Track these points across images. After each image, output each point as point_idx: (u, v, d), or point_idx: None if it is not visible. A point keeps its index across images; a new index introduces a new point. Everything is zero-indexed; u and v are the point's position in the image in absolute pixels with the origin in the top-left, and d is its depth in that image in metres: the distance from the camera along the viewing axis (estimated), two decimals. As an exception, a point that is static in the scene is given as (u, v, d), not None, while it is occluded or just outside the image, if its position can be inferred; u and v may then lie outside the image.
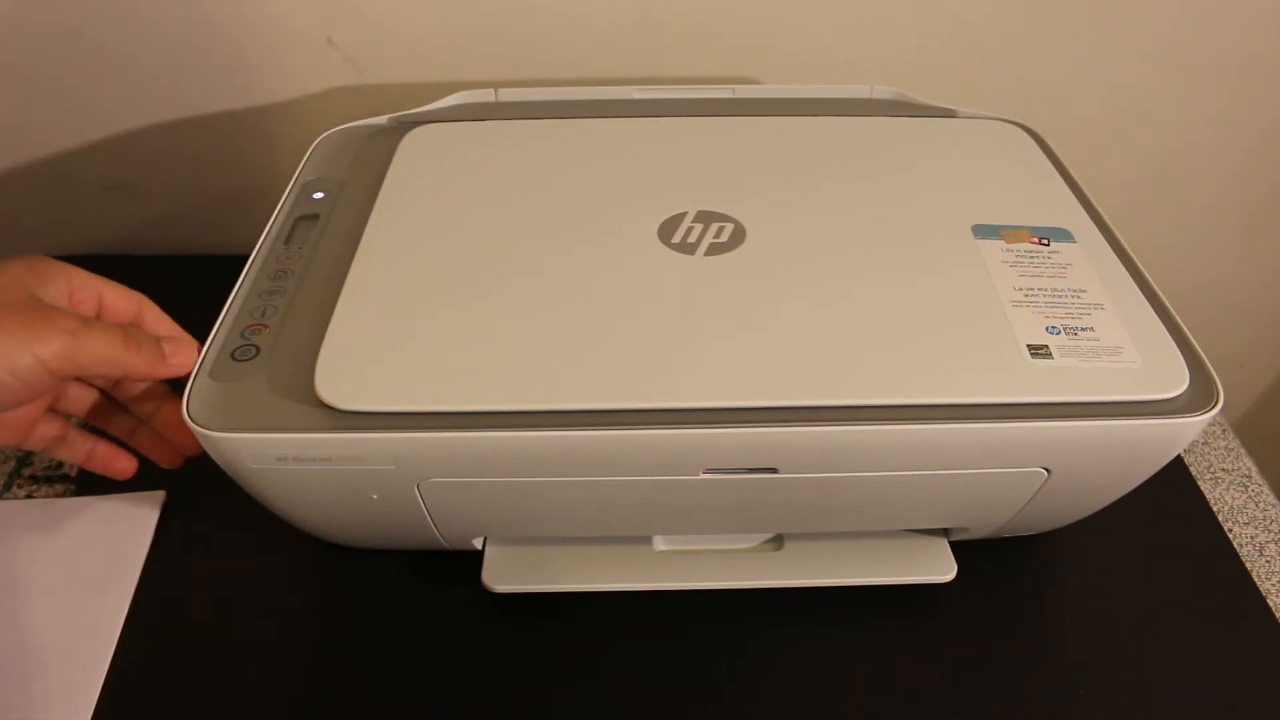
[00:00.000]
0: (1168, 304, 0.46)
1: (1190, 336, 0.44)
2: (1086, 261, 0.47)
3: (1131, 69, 0.73)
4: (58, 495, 0.57)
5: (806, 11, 0.68)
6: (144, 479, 0.57)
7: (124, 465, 0.47)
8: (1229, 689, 0.48)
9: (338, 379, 0.41)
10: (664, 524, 0.50)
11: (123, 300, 0.43)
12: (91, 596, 0.51)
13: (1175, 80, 0.73)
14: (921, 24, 0.70)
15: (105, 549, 0.53)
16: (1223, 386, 0.42)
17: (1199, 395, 0.42)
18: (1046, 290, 0.45)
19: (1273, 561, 0.56)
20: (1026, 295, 0.45)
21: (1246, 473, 0.62)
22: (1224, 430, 0.65)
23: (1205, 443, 0.64)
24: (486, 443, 0.40)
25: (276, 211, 0.53)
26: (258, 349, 0.44)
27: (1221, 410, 0.41)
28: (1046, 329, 0.43)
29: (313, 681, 0.48)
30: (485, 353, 0.42)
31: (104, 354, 0.39)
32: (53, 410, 0.45)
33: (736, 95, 0.62)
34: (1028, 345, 0.42)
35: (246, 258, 0.49)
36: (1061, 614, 0.51)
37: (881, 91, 0.62)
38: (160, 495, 0.56)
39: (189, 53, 0.70)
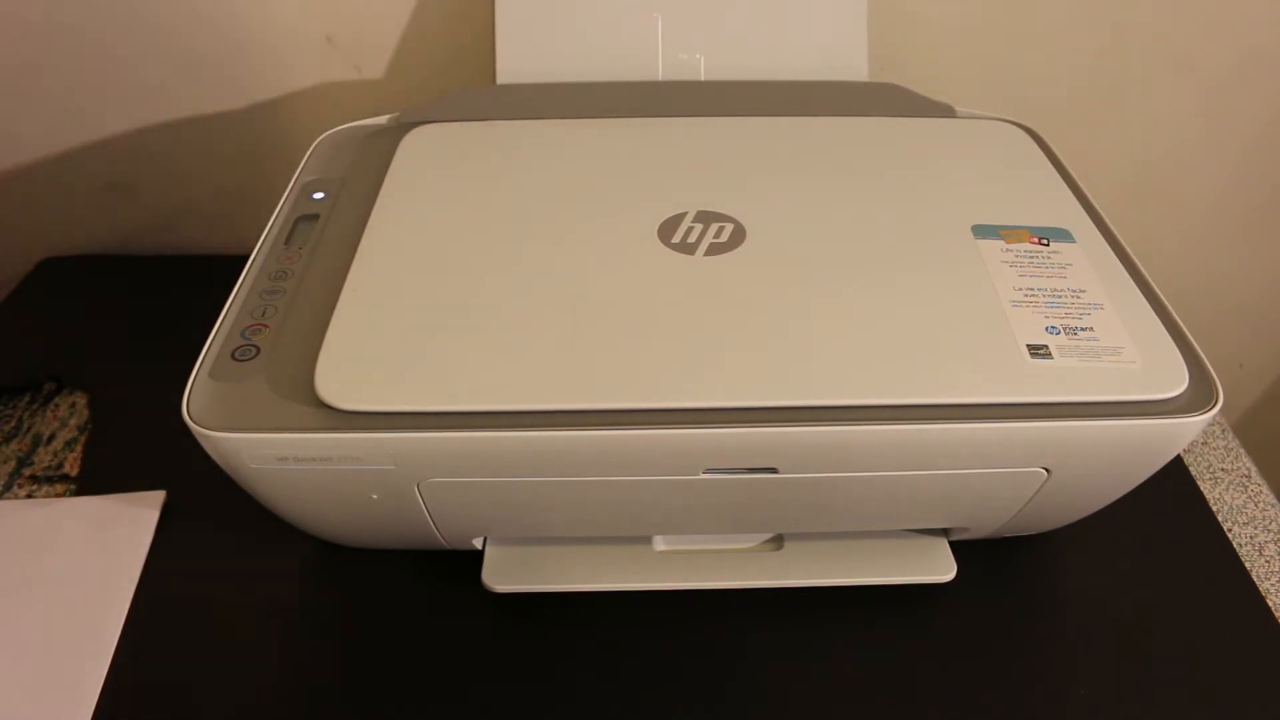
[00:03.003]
0: (1167, 304, 0.46)
1: (1190, 336, 0.44)
2: (1086, 262, 0.47)
3: (1131, 69, 0.73)
4: (58, 495, 0.57)
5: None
6: (145, 478, 0.57)
7: None
8: (1229, 689, 0.48)
9: (338, 379, 0.41)
10: (664, 524, 0.50)
11: None
12: (91, 596, 0.51)
13: (1175, 80, 0.73)
14: (921, 25, 0.70)
15: (105, 549, 0.53)
16: (1222, 386, 0.42)
17: (1198, 395, 0.42)
18: (1046, 290, 0.45)
19: (1272, 561, 0.56)
20: (1026, 295, 0.45)
21: (1246, 473, 0.62)
22: (1223, 430, 0.65)
23: (1205, 443, 0.64)
24: (486, 443, 0.40)
25: (277, 211, 0.53)
26: (258, 349, 0.44)
27: (1221, 410, 0.41)
28: (1046, 329, 0.43)
29: (313, 681, 0.48)
30: (485, 353, 0.42)
31: None
32: None
33: (735, 80, 0.62)
34: (1027, 345, 0.43)
35: (246, 258, 0.49)
36: (1061, 614, 0.52)
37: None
38: (160, 495, 0.56)
39: (189, 53, 0.70)
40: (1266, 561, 0.55)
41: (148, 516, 0.55)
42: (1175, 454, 0.45)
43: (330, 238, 0.50)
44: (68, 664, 0.48)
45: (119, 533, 0.54)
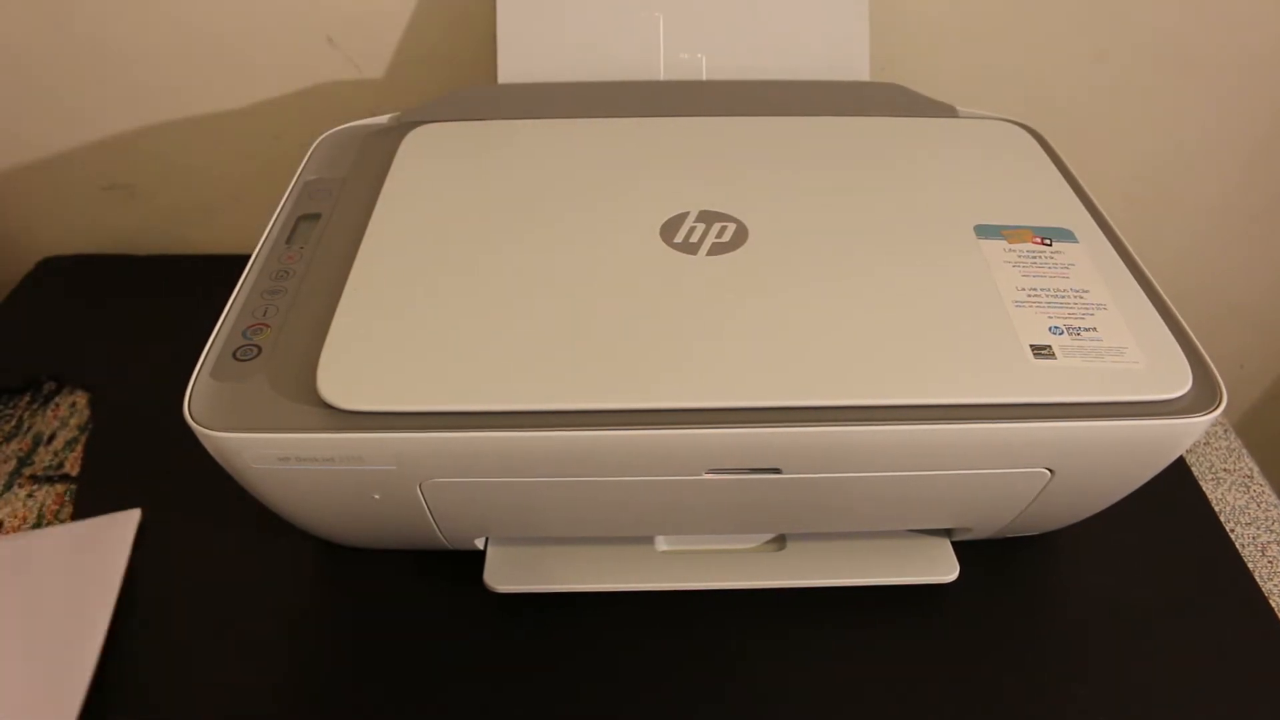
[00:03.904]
0: (1170, 304, 0.46)
1: (1193, 337, 0.44)
2: (1089, 262, 0.47)
3: (1133, 69, 0.73)
4: (58, 495, 0.57)
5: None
6: (145, 478, 0.57)
7: None
8: (1230, 689, 0.48)
9: (340, 379, 0.41)
10: (666, 524, 0.50)
11: None
12: (68, 623, 0.49)
13: (1177, 80, 0.73)
14: (923, 24, 0.70)
15: (79, 576, 0.51)
16: (1225, 387, 0.42)
17: (1202, 396, 0.42)
18: (1049, 290, 0.45)
19: (1275, 562, 0.55)
20: (1029, 295, 0.45)
21: (1248, 473, 0.61)
22: (1226, 430, 0.65)
23: (1207, 443, 0.64)
24: (488, 443, 0.40)
25: (278, 211, 0.53)
26: (259, 349, 0.44)
27: (1224, 411, 0.41)
28: (1049, 329, 0.43)
29: (313, 681, 0.48)
30: (487, 353, 0.42)
31: None
32: None
33: (737, 79, 0.62)
34: (1030, 345, 0.42)
35: (247, 258, 0.49)
36: (1063, 614, 0.51)
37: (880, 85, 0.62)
38: (135, 514, 0.54)
39: (188, 53, 0.70)
40: (1269, 562, 0.55)
41: (121, 539, 0.53)
42: (1179, 455, 0.45)
43: (332, 237, 0.50)
44: (42, 690, 0.45)
45: (95, 557, 0.52)
